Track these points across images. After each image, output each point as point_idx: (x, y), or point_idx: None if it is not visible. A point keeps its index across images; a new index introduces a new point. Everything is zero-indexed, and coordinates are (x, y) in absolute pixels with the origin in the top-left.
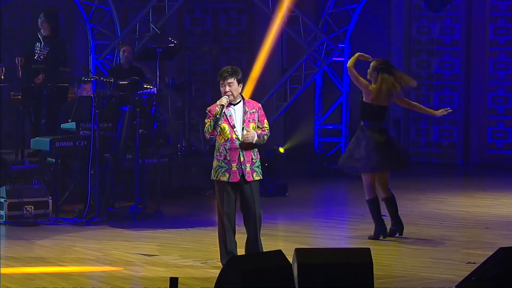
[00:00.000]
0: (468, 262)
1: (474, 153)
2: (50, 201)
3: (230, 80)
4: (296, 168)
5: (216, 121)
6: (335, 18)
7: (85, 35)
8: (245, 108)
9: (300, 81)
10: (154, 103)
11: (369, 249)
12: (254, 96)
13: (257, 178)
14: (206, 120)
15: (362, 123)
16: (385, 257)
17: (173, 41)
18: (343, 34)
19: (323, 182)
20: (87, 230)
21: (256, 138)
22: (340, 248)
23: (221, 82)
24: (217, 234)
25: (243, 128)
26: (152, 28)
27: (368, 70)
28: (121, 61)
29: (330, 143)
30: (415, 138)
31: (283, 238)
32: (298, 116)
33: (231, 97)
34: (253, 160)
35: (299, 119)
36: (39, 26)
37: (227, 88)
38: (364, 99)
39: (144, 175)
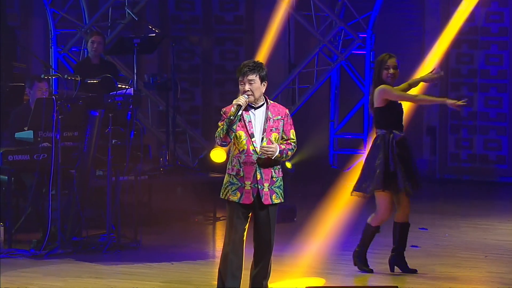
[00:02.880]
0: None
1: None
2: (1, 228)
3: (251, 77)
4: (306, 187)
5: (230, 124)
6: (355, 1)
7: (44, 22)
8: (267, 114)
9: (312, 79)
10: (131, 106)
11: (397, 287)
12: None
13: (276, 201)
14: (219, 123)
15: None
16: None
17: (154, 30)
18: (365, 21)
19: (340, 205)
20: (47, 264)
21: (277, 153)
22: (362, 287)
23: (240, 79)
24: (218, 267)
25: (262, 138)
26: (128, 13)
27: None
28: (89, 54)
29: (348, 157)
30: (454, 150)
31: (292, 274)
32: (309, 122)
33: (251, 98)
34: (274, 179)
35: (311, 126)
36: None
37: (247, 87)
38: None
39: (118, 197)
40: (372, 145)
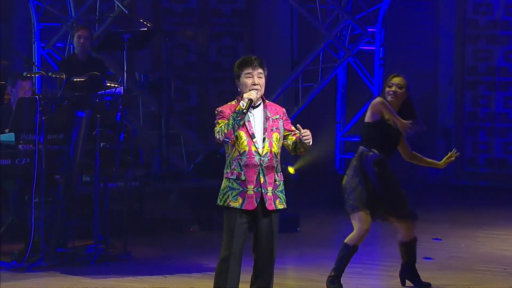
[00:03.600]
0: None
1: None
2: None
3: (260, 70)
4: (311, 194)
5: (238, 118)
6: None
7: (26, 15)
8: (266, 113)
9: (317, 77)
10: (120, 107)
11: None
12: None
13: (280, 206)
14: (219, 121)
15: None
16: None
17: (146, 24)
18: (374, 14)
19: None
20: (30, 277)
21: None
22: None
23: (248, 71)
24: (213, 281)
25: (264, 138)
26: (118, 6)
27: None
28: (75, 50)
29: None
30: (471, 154)
31: None
32: (313, 124)
33: (259, 94)
34: (276, 183)
35: (315, 128)
36: None
37: (257, 80)
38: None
39: (107, 204)
40: (350, 163)
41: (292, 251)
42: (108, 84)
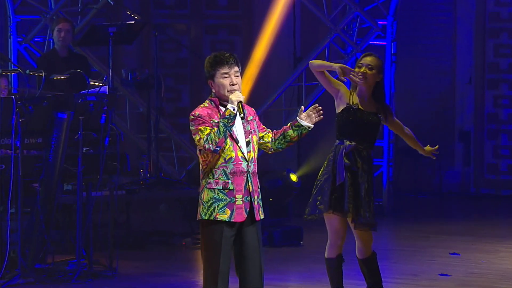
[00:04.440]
0: None
1: None
2: None
3: (237, 69)
4: None
5: (229, 123)
6: None
7: (1, 6)
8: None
9: None
10: (105, 108)
11: None
12: (253, 98)
13: (262, 216)
14: (201, 127)
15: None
16: None
17: (133, 16)
18: (385, 5)
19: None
20: None
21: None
22: None
23: (222, 70)
24: None
25: (248, 142)
26: None
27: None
28: (55, 45)
29: None
30: (491, 160)
31: None
32: (318, 127)
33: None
34: (259, 190)
35: (320, 131)
36: None
37: (235, 79)
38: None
39: (90, 215)
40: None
41: (295, 266)
42: (92, 83)
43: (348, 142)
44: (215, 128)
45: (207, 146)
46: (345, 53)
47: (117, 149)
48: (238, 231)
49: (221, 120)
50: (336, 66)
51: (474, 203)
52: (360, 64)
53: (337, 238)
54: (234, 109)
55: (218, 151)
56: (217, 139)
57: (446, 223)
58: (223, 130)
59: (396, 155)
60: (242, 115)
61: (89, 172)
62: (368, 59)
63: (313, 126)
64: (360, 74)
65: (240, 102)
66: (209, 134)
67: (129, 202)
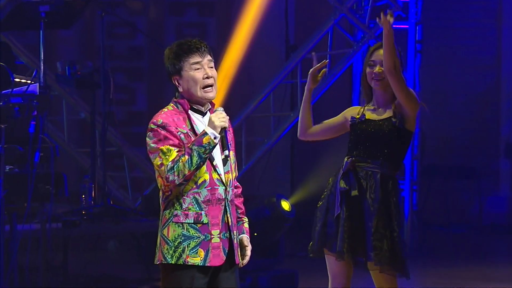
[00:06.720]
0: None
1: None
2: None
3: (210, 58)
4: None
5: (205, 154)
6: None
7: None
8: None
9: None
10: (35, 113)
11: None
12: (232, 100)
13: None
14: (164, 147)
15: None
16: None
17: None
18: None
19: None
20: None
21: None
22: None
23: (192, 60)
24: None
25: (225, 159)
26: None
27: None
28: None
29: None
30: None
31: None
32: (317, 141)
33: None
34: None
35: (319, 146)
36: None
37: (209, 72)
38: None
39: (15, 255)
40: None
41: None
42: (17, 80)
43: (346, 159)
44: (186, 157)
45: (170, 178)
46: (354, 40)
47: (51, 168)
48: (212, 278)
49: (195, 147)
50: (305, 89)
51: None
52: (371, 62)
53: (336, 284)
54: (215, 138)
55: (182, 185)
56: (186, 172)
57: (487, 264)
58: (197, 162)
59: (421, 175)
60: (226, 151)
61: (13, 198)
62: (381, 53)
63: None
64: (374, 76)
65: (225, 128)
66: (175, 162)
67: (67, 238)
